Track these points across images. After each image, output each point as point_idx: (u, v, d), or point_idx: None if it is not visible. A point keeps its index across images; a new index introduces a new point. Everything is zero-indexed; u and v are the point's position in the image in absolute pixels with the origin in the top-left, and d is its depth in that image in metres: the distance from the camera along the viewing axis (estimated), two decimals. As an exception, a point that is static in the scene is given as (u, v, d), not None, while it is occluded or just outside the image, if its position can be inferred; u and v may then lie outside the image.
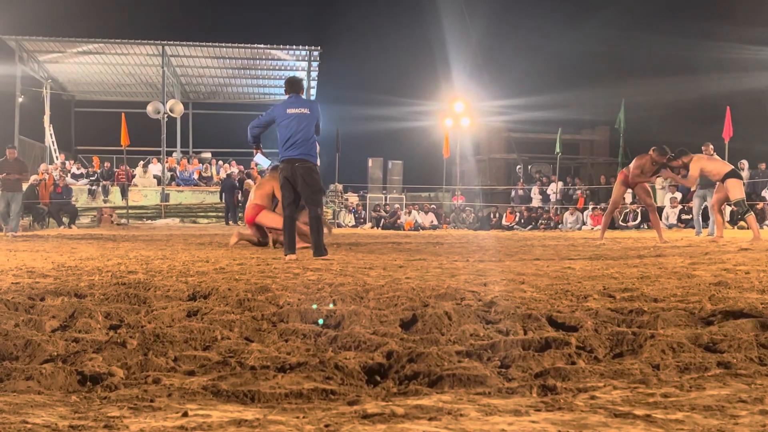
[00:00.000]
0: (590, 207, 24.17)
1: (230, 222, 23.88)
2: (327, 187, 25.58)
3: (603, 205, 23.95)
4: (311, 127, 7.45)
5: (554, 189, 26.23)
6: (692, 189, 12.17)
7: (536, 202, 26.43)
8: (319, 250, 7.43)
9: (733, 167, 11.10)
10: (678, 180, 11.93)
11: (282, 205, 7.81)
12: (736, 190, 10.61)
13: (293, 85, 7.74)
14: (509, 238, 14.96)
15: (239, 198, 24.21)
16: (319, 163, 7.88)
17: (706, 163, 10.91)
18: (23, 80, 27.31)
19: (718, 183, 10.97)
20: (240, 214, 24.23)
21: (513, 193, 28.24)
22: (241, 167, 28.41)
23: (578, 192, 25.78)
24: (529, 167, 32.45)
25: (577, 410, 1.67)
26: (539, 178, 28.74)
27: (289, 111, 7.42)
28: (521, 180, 30.07)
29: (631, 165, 11.12)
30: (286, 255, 7.42)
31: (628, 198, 23.71)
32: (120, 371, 2.14)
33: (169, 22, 45.83)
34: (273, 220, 9.62)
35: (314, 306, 3.27)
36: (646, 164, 10.82)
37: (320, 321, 3.02)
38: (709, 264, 6.21)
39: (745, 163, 21.23)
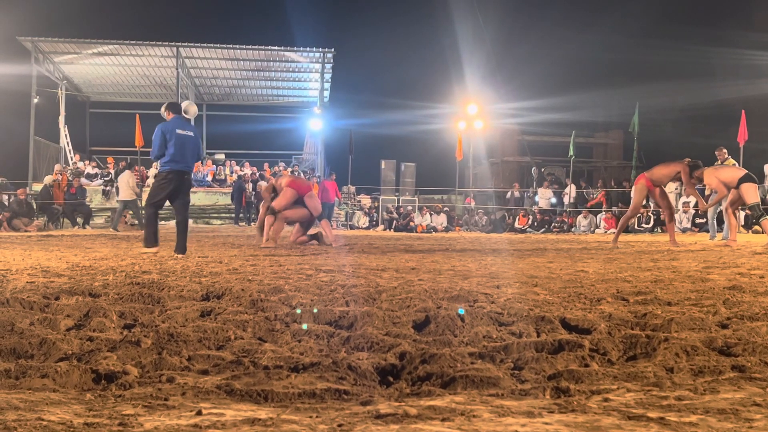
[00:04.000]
0: (603, 210, 24.09)
1: (240, 223, 23.93)
2: (340, 189, 25.60)
3: (615, 209, 23.87)
4: (196, 147, 8.71)
5: (568, 192, 26.11)
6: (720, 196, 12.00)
7: (543, 203, 26.27)
8: (181, 249, 8.37)
9: (747, 171, 11.05)
10: (714, 201, 11.91)
11: (150, 202, 8.68)
12: (751, 193, 10.56)
13: (175, 108, 8.73)
14: (522, 241, 14.93)
15: (248, 199, 24.33)
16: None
17: (719, 172, 10.90)
18: (39, 81, 27.44)
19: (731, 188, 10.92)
20: (244, 215, 24.33)
21: (512, 194, 28.08)
22: (254, 168, 28.50)
23: (599, 193, 25.60)
24: (542, 170, 32.36)
25: (591, 412, 1.66)
26: (551, 181, 28.63)
27: (178, 131, 8.48)
28: (534, 183, 29.99)
29: (661, 171, 11.00)
30: (147, 248, 8.41)
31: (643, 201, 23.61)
32: (134, 370, 2.15)
33: (184, 23, 46.15)
34: (315, 206, 10.94)
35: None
36: (682, 173, 10.73)
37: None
38: (724, 268, 6.18)
39: None
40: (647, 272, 5.82)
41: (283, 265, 6.52)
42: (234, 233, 17.41)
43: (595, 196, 25.68)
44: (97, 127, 33.92)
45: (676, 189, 22.73)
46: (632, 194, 12.02)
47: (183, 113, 8.70)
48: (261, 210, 11.15)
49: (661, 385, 1.95)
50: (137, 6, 46.05)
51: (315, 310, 3.23)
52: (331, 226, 21.09)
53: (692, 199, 21.49)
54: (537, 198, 27.18)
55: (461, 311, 3.17)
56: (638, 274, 5.64)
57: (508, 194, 28.16)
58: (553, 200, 26.91)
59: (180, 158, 8.44)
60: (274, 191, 10.90)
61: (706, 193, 14.14)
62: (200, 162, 29.23)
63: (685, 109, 33.62)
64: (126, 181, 19.81)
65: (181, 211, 8.70)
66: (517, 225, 24.97)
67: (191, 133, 8.60)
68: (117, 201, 20.77)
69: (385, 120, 38.87)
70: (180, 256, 8.00)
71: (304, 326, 2.94)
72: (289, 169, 27.15)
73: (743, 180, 10.62)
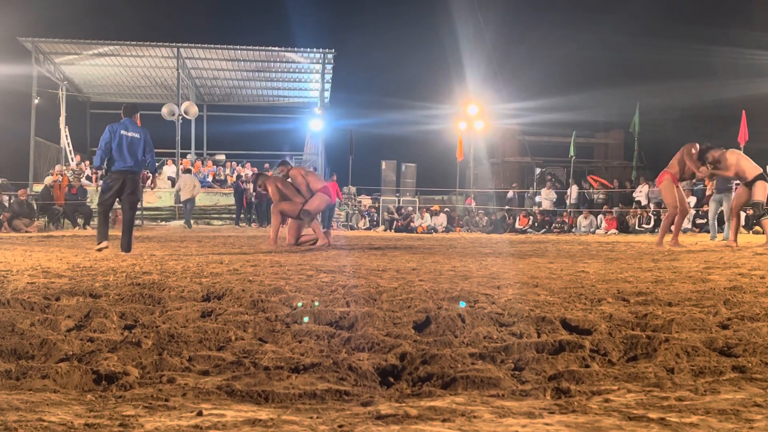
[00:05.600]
0: (603, 210, 24.08)
1: (241, 224, 23.95)
2: (341, 189, 25.59)
3: (616, 209, 23.86)
4: (140, 148, 8.94)
5: (569, 192, 26.09)
6: (711, 190, 11.85)
7: (546, 204, 26.25)
8: (125, 247, 8.73)
9: (762, 170, 10.90)
10: (717, 173, 11.52)
11: (100, 202, 9.14)
12: (761, 192, 10.44)
13: (128, 110, 9.14)
14: (522, 242, 14.92)
15: (249, 200, 24.35)
16: (157, 174, 9.68)
17: (742, 159, 10.69)
18: (39, 81, 27.41)
19: (740, 186, 10.80)
20: (245, 215, 24.36)
21: (514, 194, 28.02)
22: (255, 169, 28.50)
23: (601, 195, 25.58)
24: (542, 170, 32.36)
25: (591, 413, 1.66)
26: (550, 181, 28.62)
27: (122, 132, 8.84)
28: (535, 183, 29.98)
29: (675, 162, 10.88)
30: (98, 243, 8.72)
31: (643, 201, 23.61)
32: (135, 371, 2.15)
33: (184, 24, 46.18)
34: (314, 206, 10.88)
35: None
36: (688, 158, 10.61)
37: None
38: (724, 268, 6.17)
39: None
40: (648, 273, 5.81)
41: (284, 265, 6.52)
42: (235, 234, 17.42)
43: (598, 194, 25.61)
44: (97, 127, 33.76)
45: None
46: (661, 194, 11.68)
47: (135, 115, 9.10)
48: (274, 218, 10.96)
49: (662, 385, 1.95)
50: (138, 6, 46.17)
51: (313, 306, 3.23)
52: (332, 227, 21.15)
53: (693, 200, 21.50)
54: (537, 198, 27.15)
55: (462, 304, 3.17)
56: (639, 274, 5.64)
57: (510, 193, 28.10)
58: (542, 200, 26.92)
59: (120, 157, 8.78)
60: (281, 190, 10.81)
61: (707, 193, 14.05)
62: (204, 161, 29.27)
63: (686, 108, 33.63)
64: (191, 183, 22.43)
65: (127, 210, 9.13)
66: (517, 225, 24.95)
67: (137, 135, 8.91)
68: (181, 201, 22.90)
69: (385, 120, 38.92)
70: (125, 254, 8.34)
71: (305, 319, 2.94)
72: (310, 167, 27.02)
73: (759, 177, 10.48)
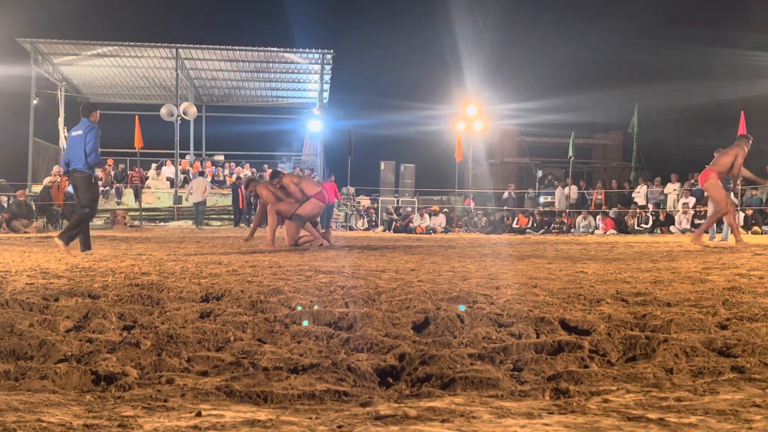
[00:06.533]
0: (601, 209, 24.08)
1: (240, 224, 23.95)
2: (340, 190, 25.57)
3: (614, 210, 23.85)
4: (82, 145, 8.78)
5: (568, 192, 26.07)
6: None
7: (561, 205, 26.22)
8: (66, 240, 8.87)
9: None
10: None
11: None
12: None
13: (84, 110, 9.09)
14: (522, 242, 14.92)
15: (247, 200, 24.35)
16: (97, 172, 9.52)
17: None
18: (38, 82, 27.43)
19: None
20: (243, 216, 24.39)
21: (509, 194, 27.95)
22: (254, 170, 28.49)
23: (599, 195, 25.55)
24: (541, 171, 32.35)
25: (590, 413, 1.66)
26: (551, 181, 28.59)
27: (72, 134, 9.00)
28: (536, 183, 29.98)
29: (723, 159, 10.67)
30: (82, 251, 8.82)
31: (642, 201, 23.61)
32: (134, 371, 2.15)
33: (183, 24, 46.16)
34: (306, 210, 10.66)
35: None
36: (739, 156, 10.40)
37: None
38: (723, 269, 6.17)
39: None
40: (647, 273, 5.81)
41: (283, 266, 6.51)
42: (234, 234, 17.40)
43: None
44: (96, 128, 33.79)
45: (675, 190, 22.73)
46: (707, 192, 11.38)
47: (92, 114, 9.02)
48: (271, 217, 10.85)
49: (661, 386, 1.95)
50: (137, 7, 46.14)
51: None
52: (331, 227, 21.13)
53: (691, 200, 21.50)
54: (542, 199, 27.11)
55: (462, 308, 3.17)
56: (637, 274, 5.64)
57: (505, 194, 28.03)
58: (557, 201, 26.89)
59: (71, 159, 8.88)
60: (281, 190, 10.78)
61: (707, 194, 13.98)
62: (203, 162, 29.28)
63: (685, 109, 33.62)
64: (203, 186, 23.24)
65: (79, 208, 9.10)
66: (515, 225, 24.94)
67: (80, 132, 8.85)
68: (193, 203, 23.72)
69: (384, 121, 38.94)
70: (64, 246, 8.66)
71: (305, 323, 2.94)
72: (307, 171, 26.96)
73: None
